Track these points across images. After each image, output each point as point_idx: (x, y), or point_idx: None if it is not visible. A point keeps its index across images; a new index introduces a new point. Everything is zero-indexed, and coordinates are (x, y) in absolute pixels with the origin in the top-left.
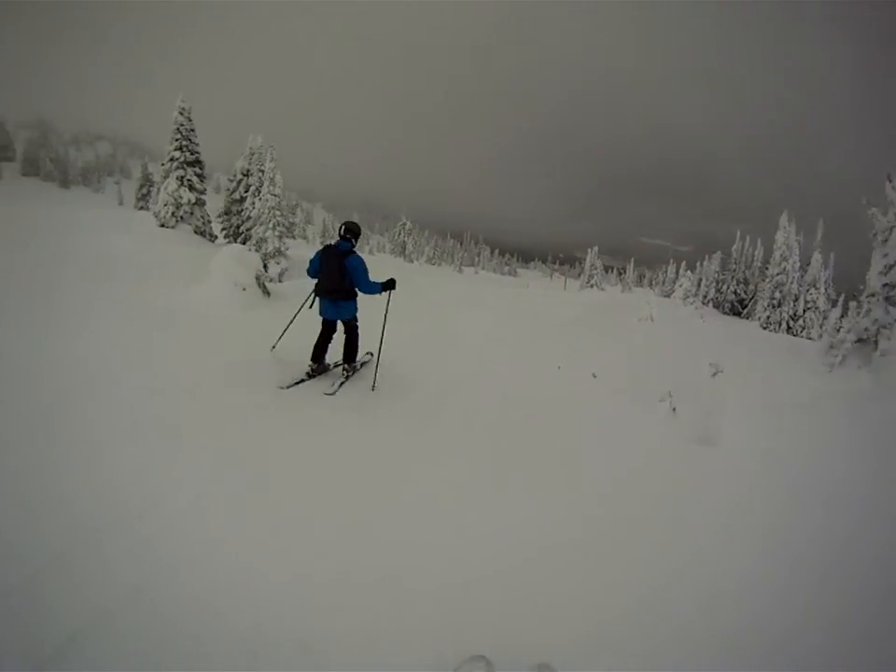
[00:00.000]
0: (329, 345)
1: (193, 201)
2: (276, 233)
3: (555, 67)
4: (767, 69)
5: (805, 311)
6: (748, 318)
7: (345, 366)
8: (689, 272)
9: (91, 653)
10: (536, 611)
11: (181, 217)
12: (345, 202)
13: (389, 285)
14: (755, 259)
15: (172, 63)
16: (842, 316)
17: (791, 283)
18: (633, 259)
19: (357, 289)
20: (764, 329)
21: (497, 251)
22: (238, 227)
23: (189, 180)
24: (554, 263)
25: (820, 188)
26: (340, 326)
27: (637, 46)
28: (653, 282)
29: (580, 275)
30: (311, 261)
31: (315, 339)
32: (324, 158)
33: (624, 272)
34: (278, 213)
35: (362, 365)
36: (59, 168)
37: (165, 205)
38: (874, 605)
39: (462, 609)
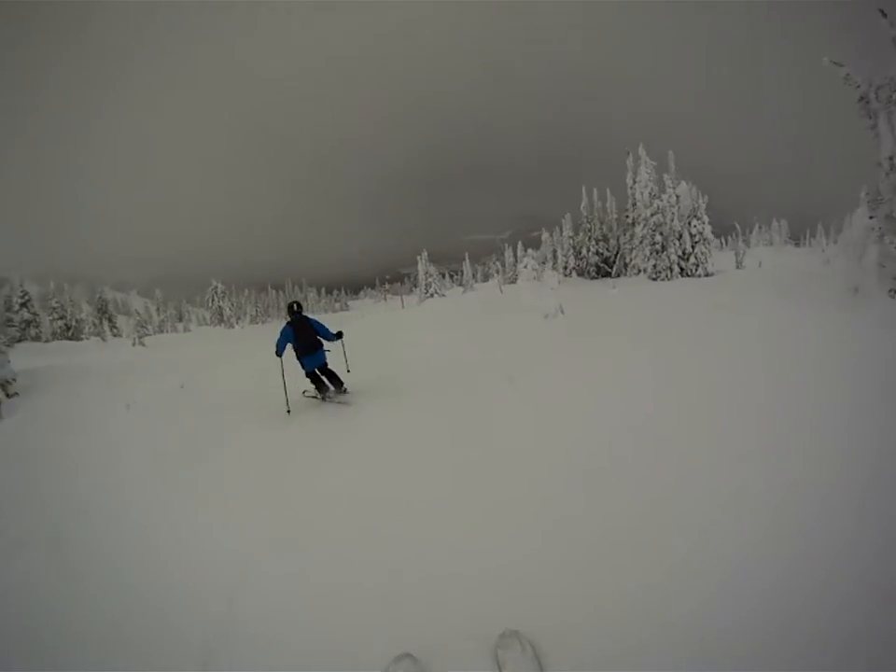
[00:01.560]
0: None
1: None
2: None
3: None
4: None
5: (693, 246)
6: (619, 276)
7: (343, 389)
8: (529, 249)
9: None
10: None
11: None
12: (155, 279)
13: (340, 335)
14: (609, 211)
15: None
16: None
17: (672, 220)
18: (466, 255)
19: (324, 338)
20: (654, 280)
21: (322, 290)
22: None
23: None
24: (383, 284)
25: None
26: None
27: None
28: (488, 275)
29: (412, 289)
30: (280, 339)
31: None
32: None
33: (458, 273)
34: None
35: (345, 390)
36: None
37: None
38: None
39: None
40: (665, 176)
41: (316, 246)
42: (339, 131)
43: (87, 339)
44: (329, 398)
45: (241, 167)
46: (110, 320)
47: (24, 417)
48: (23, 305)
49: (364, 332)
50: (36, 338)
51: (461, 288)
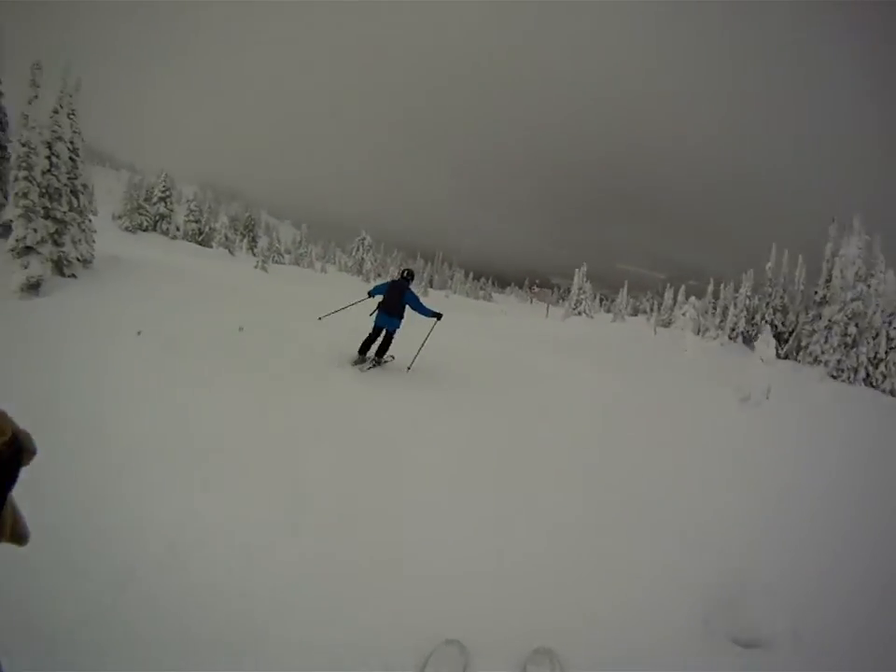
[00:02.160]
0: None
1: None
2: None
3: (541, 85)
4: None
5: (887, 352)
6: (788, 358)
7: (376, 358)
8: (693, 297)
9: None
10: None
11: None
12: (307, 216)
13: (439, 316)
14: (797, 280)
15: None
16: None
17: (874, 313)
18: (626, 284)
19: (415, 311)
20: (834, 378)
21: (471, 274)
22: None
23: None
24: (532, 287)
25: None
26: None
27: (630, 60)
28: (638, 309)
29: (559, 301)
30: (377, 287)
31: (365, 337)
32: (284, 172)
33: (608, 299)
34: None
35: (385, 362)
36: None
37: None
38: None
39: None
40: (881, 259)
41: (473, 232)
42: (521, 134)
43: (216, 248)
44: (369, 361)
45: (417, 149)
46: (253, 239)
47: (56, 301)
48: (162, 199)
49: (500, 332)
50: (165, 232)
51: (610, 315)
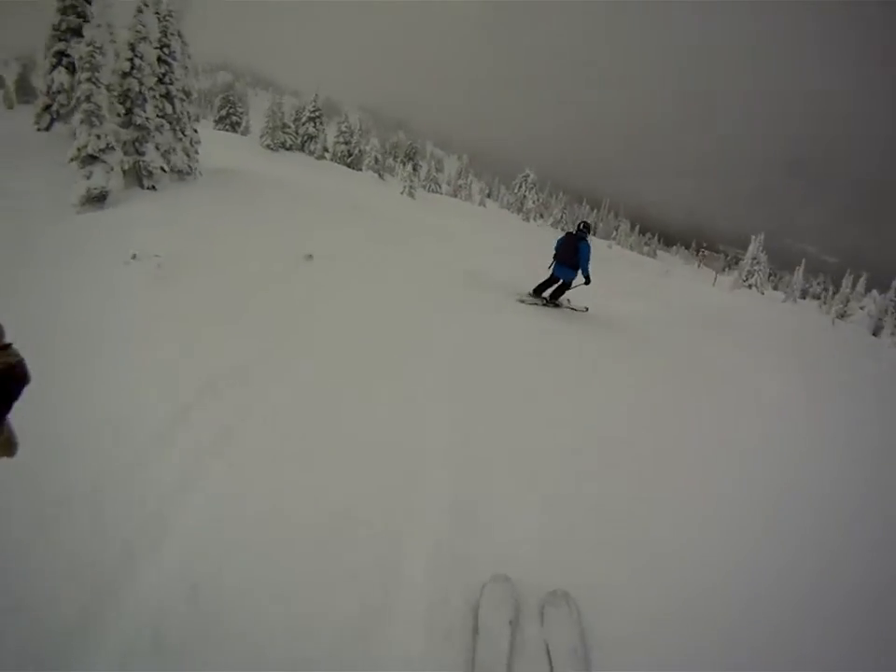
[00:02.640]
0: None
1: None
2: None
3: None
4: None
5: None
6: None
7: (549, 299)
8: (875, 291)
9: None
10: None
11: None
12: (471, 149)
13: (588, 281)
14: None
15: None
16: None
17: None
18: (803, 262)
19: (580, 263)
20: None
21: (637, 227)
22: None
23: None
24: (700, 250)
25: None
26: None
27: None
28: (807, 292)
29: (724, 269)
30: (556, 244)
31: (542, 280)
32: (450, 108)
33: (775, 275)
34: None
35: (560, 306)
36: None
37: None
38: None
39: None
40: None
41: (643, 184)
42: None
43: (364, 171)
44: (545, 301)
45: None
46: (415, 168)
47: (124, 214)
48: (312, 119)
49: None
50: (311, 153)
51: (778, 293)
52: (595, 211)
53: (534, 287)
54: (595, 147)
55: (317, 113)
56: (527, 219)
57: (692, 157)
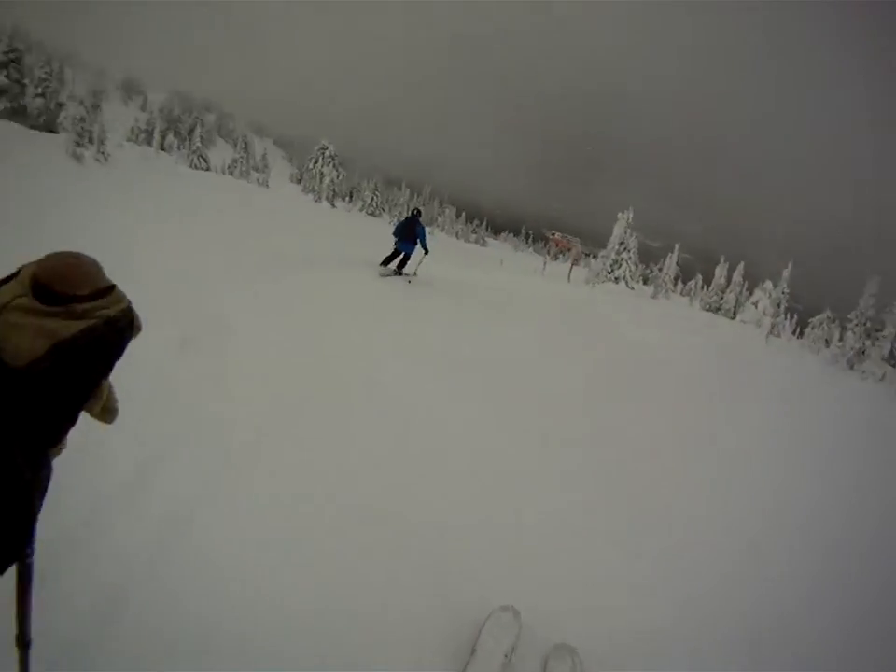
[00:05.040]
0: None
1: None
2: None
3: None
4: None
5: None
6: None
7: (397, 270)
8: (768, 281)
9: None
10: None
11: None
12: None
13: (427, 251)
14: None
15: None
16: None
17: None
18: (676, 247)
19: (419, 240)
20: None
21: (463, 214)
22: None
23: None
24: (551, 235)
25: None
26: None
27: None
28: (647, 278)
29: (556, 258)
30: (396, 226)
31: (387, 254)
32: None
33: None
34: None
35: (405, 275)
36: None
37: None
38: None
39: None
40: None
41: (464, 172)
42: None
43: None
44: (395, 273)
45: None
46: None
47: None
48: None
49: None
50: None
51: (648, 288)
52: (417, 196)
53: (381, 260)
54: (414, 130)
55: (12, 53)
56: (319, 201)
57: (516, 139)
